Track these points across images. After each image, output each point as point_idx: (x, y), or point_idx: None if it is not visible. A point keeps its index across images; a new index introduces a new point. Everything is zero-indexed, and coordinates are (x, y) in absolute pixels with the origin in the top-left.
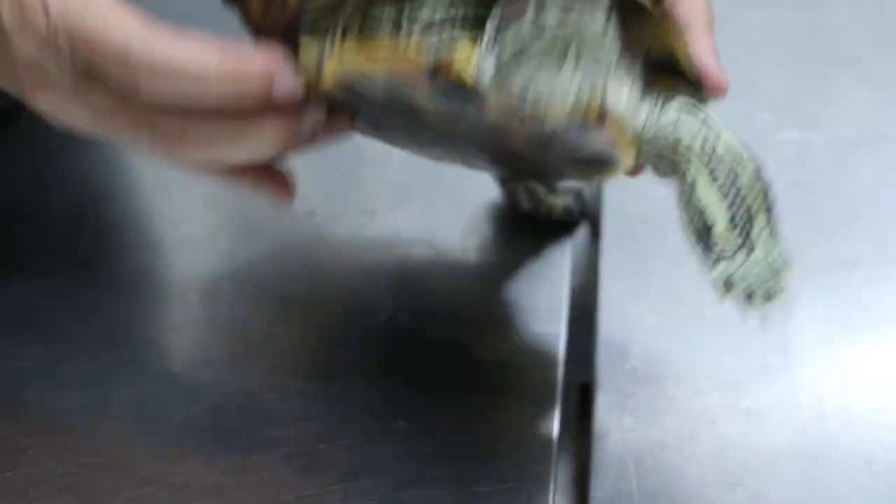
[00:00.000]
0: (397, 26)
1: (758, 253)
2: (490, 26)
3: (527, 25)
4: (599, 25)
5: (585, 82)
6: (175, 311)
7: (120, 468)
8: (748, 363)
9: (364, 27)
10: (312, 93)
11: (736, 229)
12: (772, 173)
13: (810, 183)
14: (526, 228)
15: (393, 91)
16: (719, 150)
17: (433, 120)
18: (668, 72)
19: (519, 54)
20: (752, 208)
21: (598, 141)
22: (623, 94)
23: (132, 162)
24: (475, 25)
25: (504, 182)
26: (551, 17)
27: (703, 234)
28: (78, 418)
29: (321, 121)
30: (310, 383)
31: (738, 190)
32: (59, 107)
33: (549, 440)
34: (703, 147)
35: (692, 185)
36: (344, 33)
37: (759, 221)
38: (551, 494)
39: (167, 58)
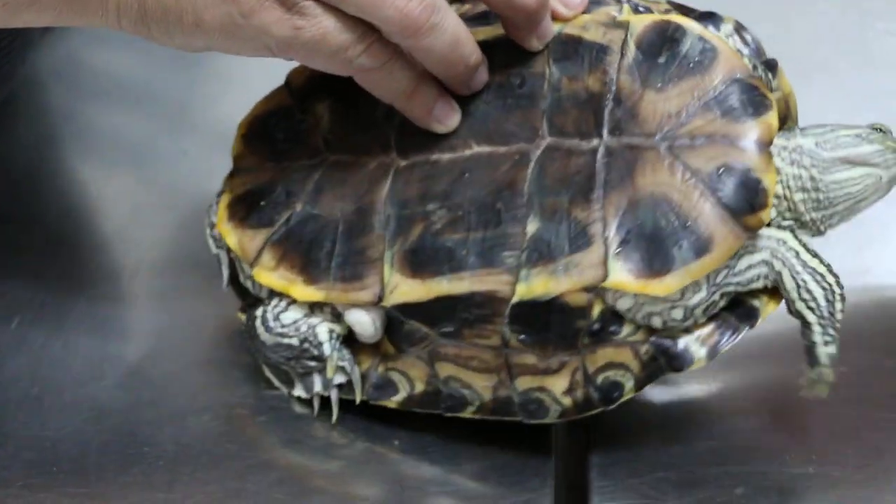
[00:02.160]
0: None
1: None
2: None
3: None
4: None
5: None
6: (162, 338)
7: (111, 498)
8: None
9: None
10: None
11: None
12: None
13: None
14: None
15: None
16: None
17: None
18: None
19: None
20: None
21: None
22: None
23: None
24: None
25: None
26: None
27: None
28: (67, 448)
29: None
30: (300, 406)
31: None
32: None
33: (546, 453)
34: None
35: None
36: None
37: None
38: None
39: None
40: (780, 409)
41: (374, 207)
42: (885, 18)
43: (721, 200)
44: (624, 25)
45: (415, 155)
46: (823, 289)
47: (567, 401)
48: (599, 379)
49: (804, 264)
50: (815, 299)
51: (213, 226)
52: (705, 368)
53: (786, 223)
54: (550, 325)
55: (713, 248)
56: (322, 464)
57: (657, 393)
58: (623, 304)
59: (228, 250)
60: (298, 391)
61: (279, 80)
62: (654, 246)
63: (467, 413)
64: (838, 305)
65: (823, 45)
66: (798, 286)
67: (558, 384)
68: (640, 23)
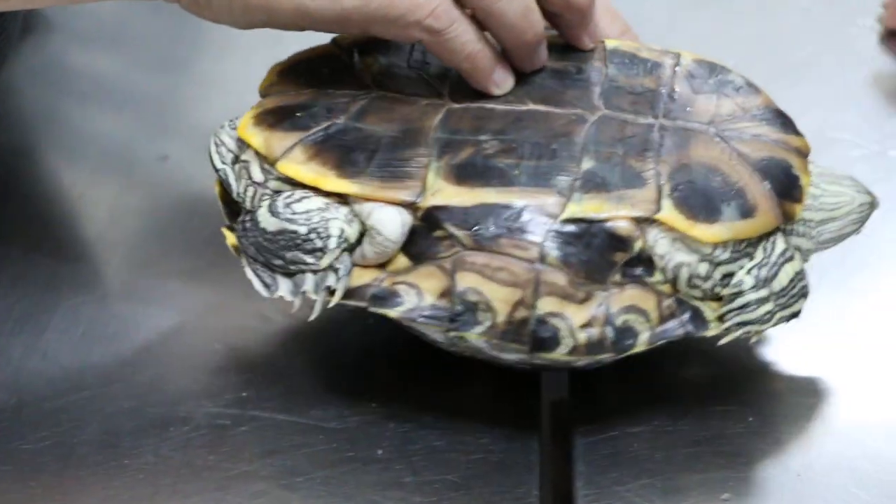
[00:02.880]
0: None
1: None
2: None
3: None
4: None
5: None
6: (143, 346)
7: None
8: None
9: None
10: None
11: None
12: None
13: None
14: None
15: None
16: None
17: None
18: None
19: None
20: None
21: None
22: None
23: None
24: None
25: None
26: None
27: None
28: (46, 461)
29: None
30: (283, 414)
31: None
32: None
33: (531, 461)
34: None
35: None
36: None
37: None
38: None
39: None
40: (764, 413)
41: (423, 130)
42: (868, 14)
43: (766, 181)
44: (675, 55)
45: (468, 102)
46: (784, 248)
47: (582, 336)
48: (619, 320)
49: (784, 238)
50: (773, 248)
51: (219, 144)
52: (689, 372)
53: None
54: (591, 249)
55: (757, 215)
56: (304, 474)
57: (642, 398)
58: (660, 248)
59: (234, 162)
60: (283, 291)
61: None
62: (705, 199)
63: (475, 333)
64: (789, 270)
65: (807, 41)
66: (767, 240)
67: (580, 315)
68: (690, 55)
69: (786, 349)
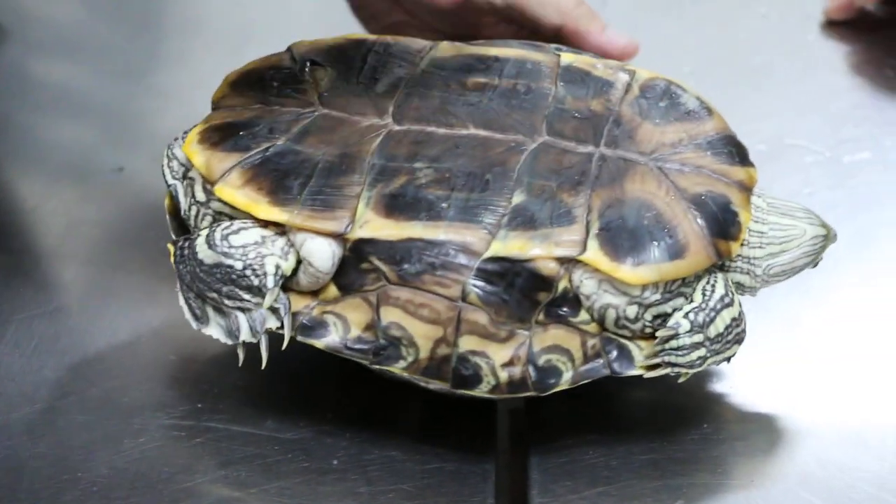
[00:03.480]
0: None
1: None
2: None
3: None
4: None
5: None
6: (98, 358)
7: None
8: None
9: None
10: None
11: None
12: None
13: None
14: None
15: None
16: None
17: None
18: None
19: None
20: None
21: None
22: None
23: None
24: None
25: None
26: None
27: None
28: None
29: None
30: (237, 425)
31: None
32: None
33: (487, 470)
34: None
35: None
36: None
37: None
38: None
39: None
40: (719, 421)
41: (360, 155)
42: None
43: (701, 219)
44: (630, 72)
45: (410, 124)
46: (724, 293)
47: (503, 375)
48: (542, 360)
49: (724, 278)
50: (713, 292)
51: (171, 158)
52: (644, 381)
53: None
54: (514, 288)
55: (686, 255)
56: (259, 485)
57: (597, 406)
58: (586, 289)
59: (184, 178)
60: (213, 331)
61: None
62: (634, 239)
63: (397, 367)
64: (725, 316)
65: (765, 47)
66: (707, 281)
67: (501, 354)
68: (646, 73)
69: (739, 359)
